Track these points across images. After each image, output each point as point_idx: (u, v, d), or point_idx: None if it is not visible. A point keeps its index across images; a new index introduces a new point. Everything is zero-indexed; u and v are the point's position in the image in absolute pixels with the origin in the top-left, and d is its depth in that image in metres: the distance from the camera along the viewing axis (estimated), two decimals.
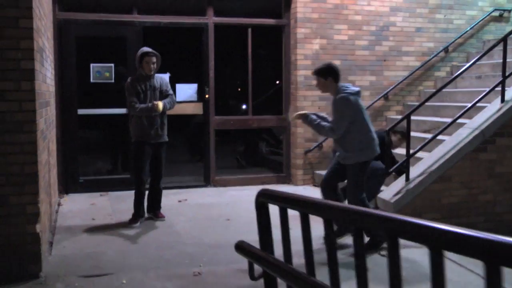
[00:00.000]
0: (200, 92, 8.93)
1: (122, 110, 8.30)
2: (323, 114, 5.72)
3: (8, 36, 4.51)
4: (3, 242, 4.56)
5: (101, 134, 9.99)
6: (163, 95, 6.61)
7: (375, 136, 5.58)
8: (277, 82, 9.18)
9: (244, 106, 10.40)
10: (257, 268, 2.60)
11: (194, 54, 9.20)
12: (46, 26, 6.33)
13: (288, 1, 9.15)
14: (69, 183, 8.36)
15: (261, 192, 2.19)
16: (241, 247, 2.26)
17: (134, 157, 6.58)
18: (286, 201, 2.07)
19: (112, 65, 8.45)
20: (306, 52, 9.04)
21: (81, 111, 8.43)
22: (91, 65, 8.47)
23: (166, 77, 6.64)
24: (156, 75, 6.63)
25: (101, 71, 8.49)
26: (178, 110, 8.89)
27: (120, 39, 8.49)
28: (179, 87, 8.86)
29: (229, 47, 9.20)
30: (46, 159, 5.49)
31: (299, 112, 5.76)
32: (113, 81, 8.41)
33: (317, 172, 9.13)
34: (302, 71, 9.02)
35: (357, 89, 5.50)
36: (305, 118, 5.59)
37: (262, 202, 2.17)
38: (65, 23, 8.29)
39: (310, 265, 2.14)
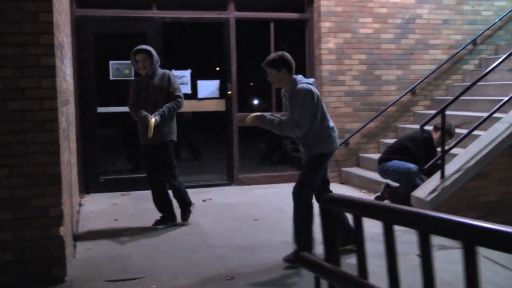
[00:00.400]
0: (222, 89, 8.70)
1: None
2: (278, 115, 5.08)
3: (28, 31, 4.30)
4: (27, 246, 4.37)
5: (121, 132, 9.79)
6: (165, 95, 6.06)
7: (335, 128, 5.14)
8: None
9: (266, 102, 10.17)
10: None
11: (216, 50, 8.97)
12: (65, 22, 6.13)
13: None
14: (90, 183, 8.19)
15: (327, 198, 1.90)
16: (305, 260, 1.99)
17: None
18: (363, 209, 1.77)
19: None
20: (330, 46, 8.77)
21: (100, 109, 8.26)
22: (110, 62, 8.29)
23: (171, 74, 6.17)
24: (160, 72, 6.11)
25: (120, 68, 8.31)
26: (200, 107, 8.72)
27: (139, 36, 8.27)
28: (201, 83, 8.63)
29: (251, 42, 8.96)
30: (67, 158, 5.29)
31: (253, 114, 4.98)
32: (133, 78, 8.19)
33: (344, 169, 8.87)
34: (327, 66, 8.76)
35: (312, 79, 5.06)
36: (262, 118, 4.91)
37: (327, 208, 1.88)
38: (83, 20, 8.11)
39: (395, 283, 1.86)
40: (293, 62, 4.96)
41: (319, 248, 5.01)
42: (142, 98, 6.10)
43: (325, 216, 1.95)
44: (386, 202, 6.20)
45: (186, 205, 6.33)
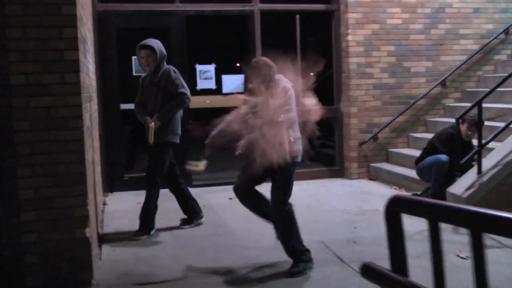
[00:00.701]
0: (247, 83, 8.47)
1: None
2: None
3: (50, 24, 4.13)
4: (51, 248, 4.21)
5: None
6: (166, 93, 5.68)
7: None
8: (327, 70, 8.64)
9: None
10: None
11: (240, 43, 8.75)
12: (87, 16, 5.96)
13: None
14: (114, 181, 8.04)
15: (394, 200, 1.65)
16: (370, 270, 1.76)
17: None
18: (440, 213, 1.52)
19: None
20: (358, 38, 8.51)
21: (123, 106, 8.08)
22: (133, 57, 8.10)
23: (171, 70, 5.72)
24: (164, 69, 5.71)
25: None
26: (225, 102, 8.49)
27: (162, 30, 8.09)
28: (225, 78, 8.42)
29: (276, 35, 8.72)
30: (92, 157, 5.12)
31: None
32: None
33: (373, 165, 8.61)
34: (355, 58, 8.50)
35: None
36: None
37: (395, 212, 1.65)
38: (105, 15, 7.95)
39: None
40: None
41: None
42: (144, 97, 5.83)
43: (392, 221, 1.72)
44: None
45: (145, 221, 5.76)
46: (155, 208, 5.81)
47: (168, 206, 6.48)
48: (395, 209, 1.70)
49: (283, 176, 4.53)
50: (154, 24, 8.26)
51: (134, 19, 8.15)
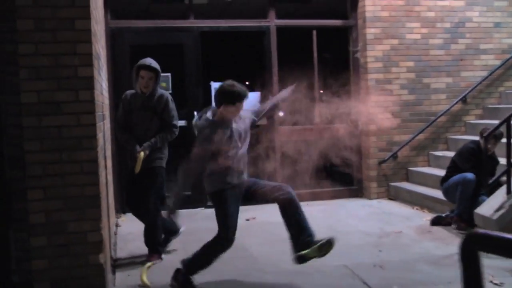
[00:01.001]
0: (264, 101, 8.27)
1: (181, 122, 7.67)
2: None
3: (64, 39, 3.95)
4: (64, 275, 4.00)
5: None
6: (159, 120, 5.42)
7: None
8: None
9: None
10: None
11: (256, 60, 8.57)
12: (101, 33, 5.79)
13: (355, 0, 8.44)
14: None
15: (472, 236, 1.42)
16: None
17: None
18: None
19: (169, 74, 7.85)
20: (376, 54, 8.30)
21: None
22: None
23: (169, 98, 5.47)
24: (158, 94, 5.42)
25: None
26: None
27: (176, 46, 7.93)
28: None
29: (293, 51, 8.52)
30: (105, 178, 4.91)
31: None
32: (170, 91, 7.82)
33: (393, 184, 8.35)
34: (373, 74, 8.29)
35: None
36: None
37: (472, 249, 1.42)
38: (118, 32, 7.80)
39: None
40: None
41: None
42: (133, 120, 5.47)
43: (469, 260, 1.48)
44: None
45: (153, 245, 5.49)
46: (159, 231, 5.55)
47: (185, 227, 6.25)
48: (473, 247, 1.46)
49: None
50: (167, 41, 8.10)
51: (147, 36, 8.00)
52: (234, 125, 4.50)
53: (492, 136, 6.26)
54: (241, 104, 4.44)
